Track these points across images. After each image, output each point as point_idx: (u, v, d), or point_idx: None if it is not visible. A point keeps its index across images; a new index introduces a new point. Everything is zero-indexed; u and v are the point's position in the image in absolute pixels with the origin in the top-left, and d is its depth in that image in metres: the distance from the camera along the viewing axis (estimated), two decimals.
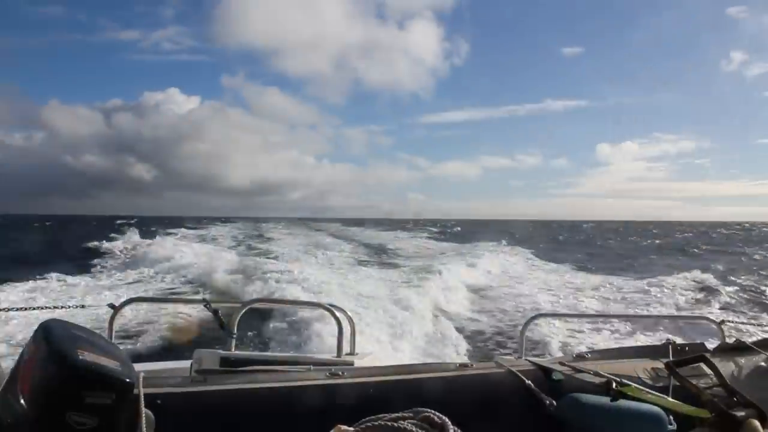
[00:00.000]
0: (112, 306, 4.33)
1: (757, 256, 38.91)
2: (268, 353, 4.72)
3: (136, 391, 1.97)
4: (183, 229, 58.79)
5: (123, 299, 4.55)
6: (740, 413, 1.62)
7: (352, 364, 3.83)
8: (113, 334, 4.20)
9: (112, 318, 4.25)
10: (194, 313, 12.46)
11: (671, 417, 2.38)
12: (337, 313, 4.30)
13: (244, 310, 4.34)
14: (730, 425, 1.63)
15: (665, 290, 20.43)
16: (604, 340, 12.28)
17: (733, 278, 24.38)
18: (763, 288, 21.49)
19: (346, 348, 4.29)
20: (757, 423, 1.58)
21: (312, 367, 2.65)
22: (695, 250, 47.59)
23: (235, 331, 4.18)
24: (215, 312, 4.18)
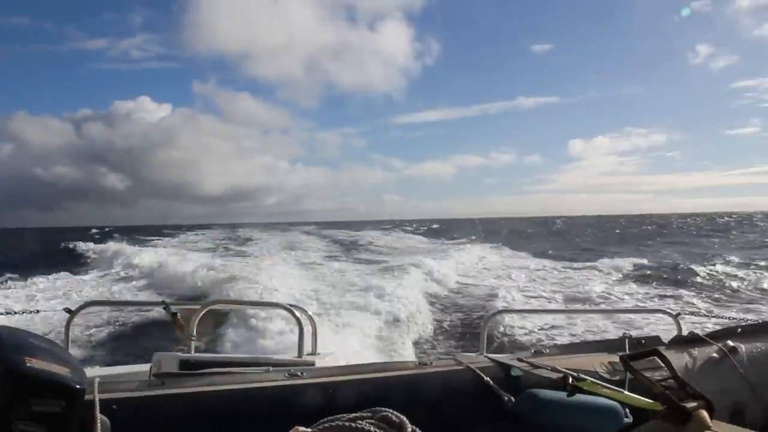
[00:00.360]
0: (68, 310, 4.26)
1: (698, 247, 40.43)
2: (228, 355, 4.69)
3: (90, 396, 1.94)
4: (164, 238, 58.09)
5: (80, 303, 4.48)
6: (690, 405, 1.66)
7: (313, 364, 3.82)
8: (69, 338, 4.13)
9: (69, 322, 4.19)
10: (153, 315, 12.31)
11: (627, 410, 2.43)
12: (298, 313, 4.29)
13: (203, 312, 4.31)
14: (680, 417, 1.67)
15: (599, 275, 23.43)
16: (567, 334, 12.49)
17: (664, 265, 26.47)
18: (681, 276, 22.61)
19: (307, 348, 4.28)
20: (705, 414, 1.62)
21: (271, 369, 2.63)
22: (649, 241, 49.27)
23: (194, 333, 4.15)
24: (174, 314, 4.14)
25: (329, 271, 25.81)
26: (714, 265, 24.89)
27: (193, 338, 4.11)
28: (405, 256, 30.32)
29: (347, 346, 10.65)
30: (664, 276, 22.55)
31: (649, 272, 23.65)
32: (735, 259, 28.70)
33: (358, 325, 12.63)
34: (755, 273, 22.73)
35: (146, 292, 20.80)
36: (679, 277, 22.29)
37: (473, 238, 47.04)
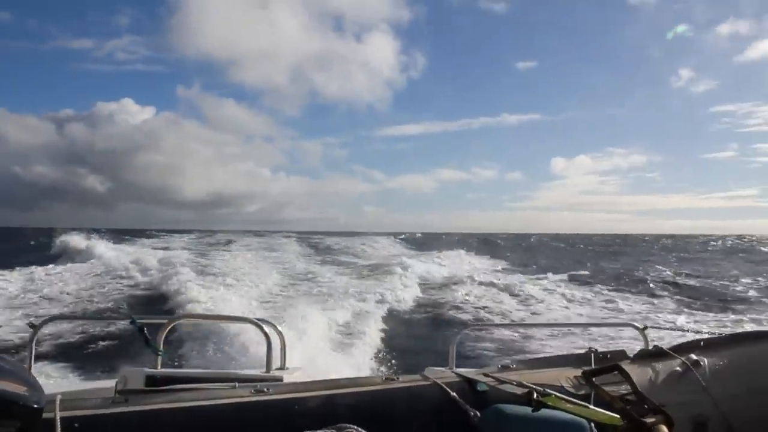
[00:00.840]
0: (31, 325, 4.17)
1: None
2: (196, 370, 4.62)
3: (50, 415, 1.90)
4: (144, 239, 57.25)
5: (44, 318, 4.40)
6: (650, 420, 1.69)
7: (281, 379, 3.79)
8: (33, 354, 4.05)
9: (32, 338, 4.10)
10: (121, 328, 12.14)
11: (592, 424, 2.46)
12: (266, 328, 4.26)
13: (170, 326, 4.27)
14: (639, 431, 1.70)
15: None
16: (535, 349, 12.59)
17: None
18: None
19: (276, 363, 4.25)
20: (664, 429, 1.65)
21: (237, 384, 2.61)
22: (606, 258, 51.81)
23: (161, 348, 4.10)
24: (141, 329, 4.09)
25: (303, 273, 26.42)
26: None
27: (160, 353, 4.06)
28: (382, 266, 30.43)
29: (316, 360, 10.61)
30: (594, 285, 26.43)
31: (580, 281, 27.93)
32: (668, 271, 33.42)
33: (318, 334, 12.62)
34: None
35: (112, 293, 20.51)
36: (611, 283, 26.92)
37: (440, 250, 47.54)
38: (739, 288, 26.80)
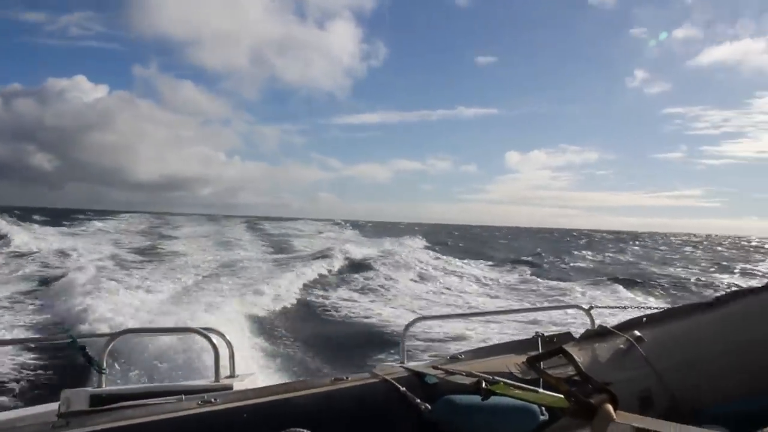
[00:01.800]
0: None
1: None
2: (143, 385, 4.53)
3: None
4: (96, 221, 55.45)
5: None
6: (595, 399, 1.72)
7: (230, 387, 3.74)
8: None
9: None
10: (60, 349, 11.73)
11: (543, 408, 2.49)
12: (213, 337, 4.19)
13: (113, 343, 4.16)
14: (585, 411, 1.72)
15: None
16: (486, 337, 12.75)
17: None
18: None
19: (226, 371, 4.19)
20: (609, 407, 1.68)
21: (184, 397, 2.55)
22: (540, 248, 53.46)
23: (105, 365, 3.99)
24: (82, 348, 3.97)
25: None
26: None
27: (104, 371, 3.96)
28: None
29: (267, 365, 10.52)
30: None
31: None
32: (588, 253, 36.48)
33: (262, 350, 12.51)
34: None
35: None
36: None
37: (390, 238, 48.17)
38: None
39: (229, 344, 4.30)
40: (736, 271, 35.25)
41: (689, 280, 29.16)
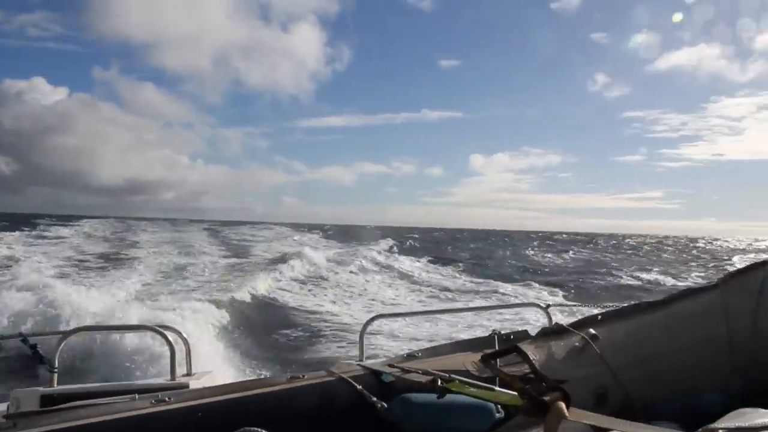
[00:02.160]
0: None
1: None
2: (96, 385, 4.44)
3: None
4: (59, 227, 53.78)
5: None
6: (548, 397, 1.74)
7: (187, 386, 3.70)
8: None
9: None
10: (11, 347, 11.43)
11: (499, 406, 2.51)
12: (169, 335, 4.14)
13: (65, 341, 4.07)
14: (539, 409, 1.74)
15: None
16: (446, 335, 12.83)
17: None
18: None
19: (183, 369, 4.14)
20: (562, 405, 1.70)
21: (138, 396, 2.50)
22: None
23: (57, 364, 3.91)
24: (33, 346, 3.89)
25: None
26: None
27: (56, 370, 3.88)
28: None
29: (225, 363, 10.41)
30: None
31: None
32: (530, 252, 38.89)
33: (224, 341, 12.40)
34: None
35: None
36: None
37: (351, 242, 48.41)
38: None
39: (185, 342, 4.25)
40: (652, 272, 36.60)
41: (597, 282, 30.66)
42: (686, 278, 33.78)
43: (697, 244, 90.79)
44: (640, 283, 30.68)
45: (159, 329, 4.24)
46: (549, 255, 52.26)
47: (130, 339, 10.89)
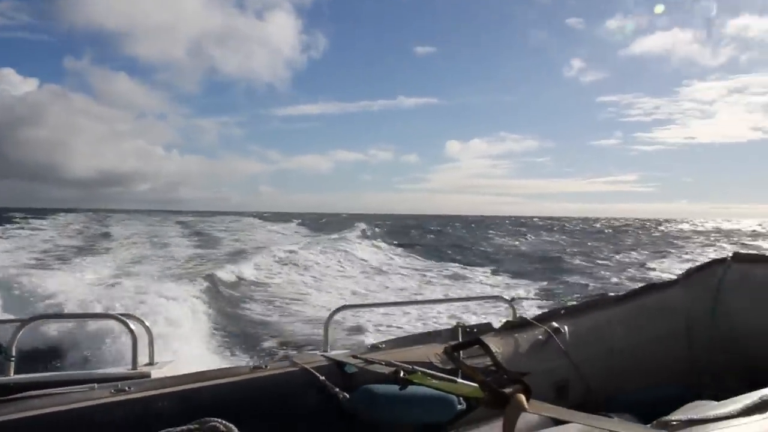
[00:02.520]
0: None
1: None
2: (54, 374, 4.37)
3: None
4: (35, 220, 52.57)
5: None
6: (508, 389, 1.75)
7: (148, 375, 3.66)
8: None
9: None
10: None
11: (461, 398, 2.52)
12: (130, 323, 4.09)
13: (23, 329, 4.00)
14: (499, 401, 1.76)
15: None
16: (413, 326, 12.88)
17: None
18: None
19: (145, 358, 4.09)
20: (522, 397, 1.72)
21: (96, 386, 2.46)
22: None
23: (14, 353, 3.84)
24: None
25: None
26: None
27: (13, 359, 3.81)
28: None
29: (188, 352, 10.31)
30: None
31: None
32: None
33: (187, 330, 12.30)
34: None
35: None
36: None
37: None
38: None
39: (148, 330, 4.20)
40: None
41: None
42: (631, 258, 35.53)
43: (661, 228, 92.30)
44: (590, 264, 31.46)
45: (120, 317, 4.18)
46: (517, 239, 53.78)
47: (92, 327, 10.73)
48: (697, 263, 4.09)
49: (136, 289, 15.25)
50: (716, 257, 3.99)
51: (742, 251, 3.93)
